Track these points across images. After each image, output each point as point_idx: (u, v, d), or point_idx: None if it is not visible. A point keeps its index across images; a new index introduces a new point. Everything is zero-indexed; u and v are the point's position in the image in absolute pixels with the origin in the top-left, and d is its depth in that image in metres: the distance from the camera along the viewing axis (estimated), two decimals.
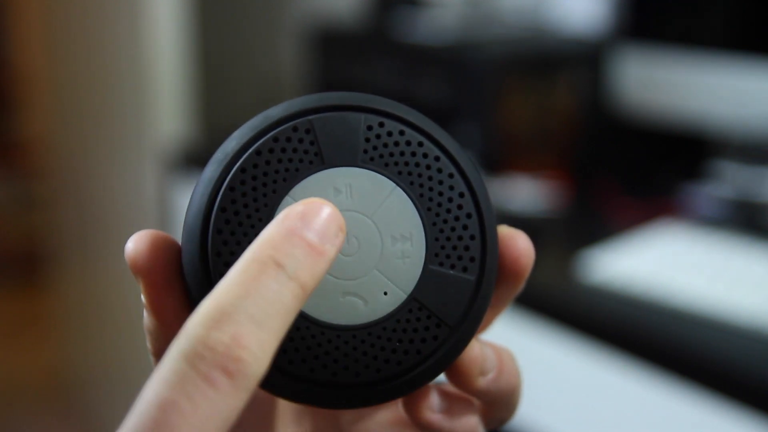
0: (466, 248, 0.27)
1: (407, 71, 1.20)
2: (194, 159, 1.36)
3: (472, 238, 0.27)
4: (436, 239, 0.27)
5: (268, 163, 0.26)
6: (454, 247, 0.27)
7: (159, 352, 0.28)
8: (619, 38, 1.11)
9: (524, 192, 1.06)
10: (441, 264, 0.27)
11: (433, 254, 0.27)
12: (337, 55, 1.32)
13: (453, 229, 0.27)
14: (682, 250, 0.89)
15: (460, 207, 0.27)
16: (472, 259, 0.27)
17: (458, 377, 0.28)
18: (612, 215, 1.04)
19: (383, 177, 0.27)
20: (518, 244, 0.29)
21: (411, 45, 1.22)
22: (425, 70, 1.17)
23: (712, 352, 0.75)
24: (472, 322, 0.27)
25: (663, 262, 0.86)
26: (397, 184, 0.27)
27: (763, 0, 1.01)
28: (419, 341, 0.27)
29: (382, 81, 1.23)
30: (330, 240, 0.23)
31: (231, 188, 0.26)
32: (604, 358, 0.81)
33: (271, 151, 0.26)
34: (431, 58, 1.18)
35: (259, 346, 0.21)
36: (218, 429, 0.20)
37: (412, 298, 0.27)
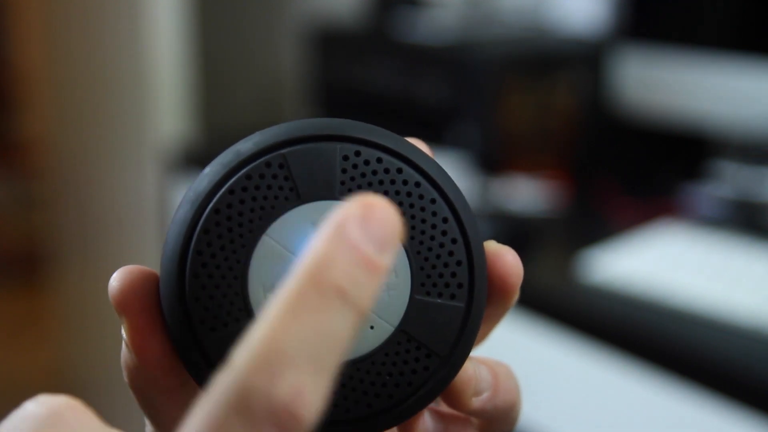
0: (453, 275, 0.26)
1: (407, 71, 1.20)
2: (194, 159, 1.36)
3: (459, 263, 0.27)
4: (422, 268, 0.26)
5: (242, 202, 0.25)
6: (441, 275, 0.26)
7: (137, 388, 0.27)
8: (619, 38, 1.11)
9: (524, 192, 1.06)
10: (428, 293, 0.26)
11: (419, 284, 0.26)
12: (337, 55, 1.32)
13: (438, 256, 0.26)
14: (682, 250, 0.89)
15: (444, 233, 0.26)
16: (459, 285, 0.26)
17: (452, 400, 0.28)
18: (612, 215, 1.04)
19: None
20: (506, 261, 0.28)
21: (411, 45, 1.22)
22: (425, 70, 1.17)
23: (712, 352, 0.75)
24: (463, 349, 0.27)
25: (663, 262, 0.86)
26: None
27: (763, 0, 1.01)
28: (410, 373, 0.26)
29: (382, 81, 1.23)
30: (390, 249, 0.20)
31: (206, 230, 0.25)
32: (604, 358, 0.81)
33: (244, 189, 0.25)
34: (431, 58, 1.18)
35: (318, 395, 0.18)
36: None
37: (400, 330, 0.26)
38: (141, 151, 1.47)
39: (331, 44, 1.33)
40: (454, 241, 0.27)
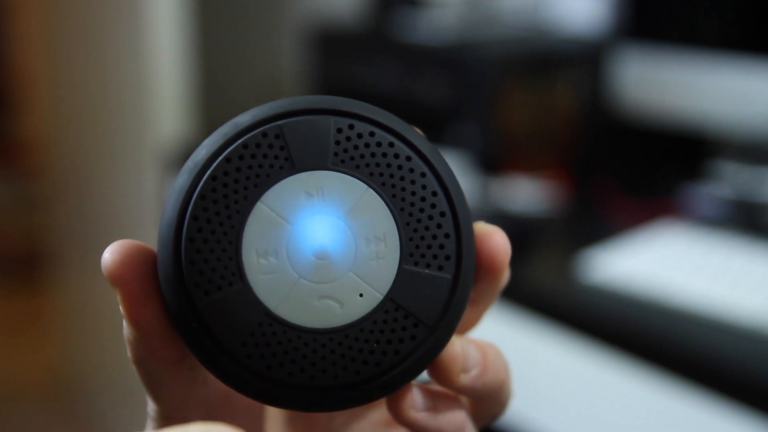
0: (441, 246, 0.27)
1: (407, 71, 1.20)
2: None
3: (447, 236, 0.27)
4: (411, 239, 0.27)
5: (238, 170, 0.26)
6: (429, 246, 0.27)
7: (139, 362, 0.28)
8: (619, 38, 1.11)
9: (524, 192, 1.06)
10: (416, 263, 0.27)
11: (407, 254, 0.27)
12: (337, 55, 1.32)
13: (427, 228, 0.27)
14: (682, 250, 0.89)
15: (433, 206, 0.27)
16: (447, 258, 0.27)
17: (440, 375, 0.29)
18: (612, 215, 1.04)
19: (355, 179, 0.27)
20: (494, 240, 0.29)
21: (411, 45, 1.22)
22: (425, 70, 1.17)
23: (712, 352, 0.75)
24: (450, 320, 0.27)
25: (663, 262, 0.86)
26: (369, 186, 0.27)
27: (763, 0, 1.01)
28: (397, 341, 0.27)
29: (382, 81, 1.23)
30: None
31: (202, 197, 0.26)
32: (603, 358, 0.81)
33: (240, 157, 0.26)
34: (431, 58, 1.18)
35: None
36: None
37: (388, 298, 0.27)
38: (141, 151, 1.47)
39: (331, 44, 1.33)
40: (442, 214, 0.27)
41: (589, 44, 1.20)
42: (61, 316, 1.91)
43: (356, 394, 0.27)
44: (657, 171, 1.16)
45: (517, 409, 0.86)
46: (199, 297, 0.26)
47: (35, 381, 2.03)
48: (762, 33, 1.01)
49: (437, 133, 1.15)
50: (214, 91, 1.53)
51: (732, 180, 1.01)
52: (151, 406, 0.30)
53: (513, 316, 0.87)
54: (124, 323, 0.27)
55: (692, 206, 1.03)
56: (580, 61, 1.19)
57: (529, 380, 0.86)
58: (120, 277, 0.26)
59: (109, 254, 0.26)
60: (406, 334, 0.27)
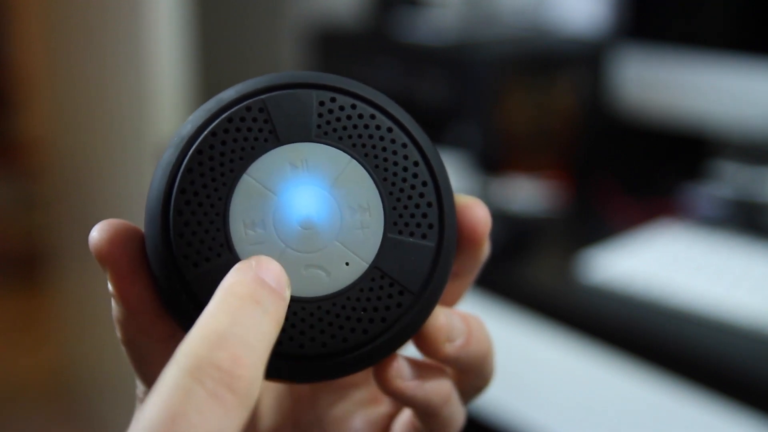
0: (424, 215, 0.28)
1: (407, 71, 1.20)
2: None
3: (429, 205, 0.28)
4: (394, 208, 0.28)
5: (223, 143, 0.27)
6: (412, 215, 0.28)
7: (129, 342, 0.28)
8: (619, 38, 1.11)
9: (524, 192, 1.06)
10: (400, 232, 0.27)
11: (392, 223, 0.27)
12: (337, 55, 1.32)
13: (410, 197, 0.28)
14: (682, 250, 0.89)
15: (415, 175, 0.28)
16: (430, 226, 0.28)
17: (425, 345, 0.29)
18: (612, 215, 1.04)
19: (338, 150, 0.27)
20: (475, 212, 0.30)
21: (411, 45, 1.22)
22: (425, 70, 1.17)
23: (712, 352, 0.75)
24: (434, 287, 0.28)
25: (663, 262, 0.86)
26: (353, 157, 0.27)
27: (763, 0, 1.01)
28: (383, 309, 0.27)
29: (382, 81, 1.23)
30: (286, 287, 0.25)
31: (189, 170, 0.26)
32: (603, 358, 0.81)
33: (226, 131, 0.27)
34: (431, 58, 1.18)
35: (253, 367, 0.22)
36: None
37: (374, 267, 0.27)
38: (141, 150, 1.47)
39: (331, 44, 1.33)
40: (424, 183, 0.28)
41: (589, 44, 1.20)
42: (61, 316, 1.91)
43: (344, 363, 0.27)
44: (657, 171, 1.16)
45: (517, 408, 0.86)
46: (187, 269, 0.26)
47: (35, 381, 2.03)
48: (762, 33, 1.01)
49: (437, 133, 1.15)
50: (214, 91, 1.52)
51: (732, 180, 1.01)
52: (140, 388, 0.30)
53: (513, 316, 0.87)
54: (113, 303, 0.27)
55: (692, 206, 1.03)
56: (580, 61, 1.19)
57: (529, 380, 0.86)
58: (108, 255, 0.27)
59: (97, 233, 0.27)
60: (392, 302, 0.27)
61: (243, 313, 0.23)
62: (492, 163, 1.11)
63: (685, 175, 1.08)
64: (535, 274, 0.91)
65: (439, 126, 1.15)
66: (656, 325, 0.79)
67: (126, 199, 1.55)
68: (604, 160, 1.19)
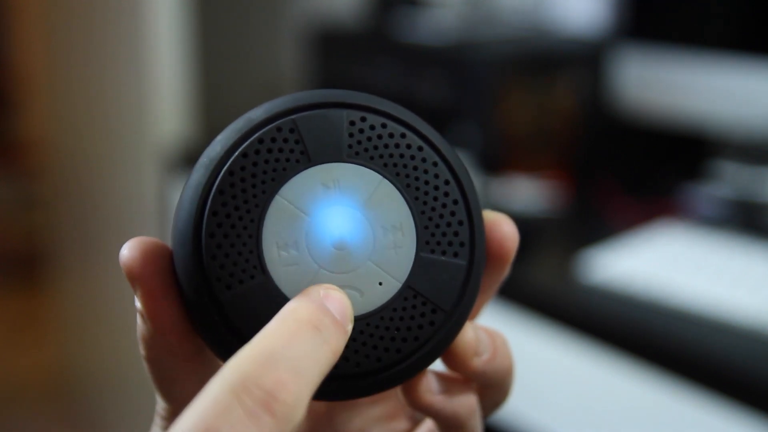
0: (456, 234, 0.28)
1: (407, 71, 1.20)
2: (194, 159, 1.36)
3: (461, 223, 0.28)
4: (426, 227, 0.28)
5: (255, 164, 0.26)
6: (444, 234, 0.28)
7: (153, 360, 0.28)
8: (619, 38, 1.11)
9: (524, 192, 1.06)
10: (432, 251, 0.28)
11: (424, 242, 0.28)
12: (337, 55, 1.32)
13: (441, 216, 0.28)
14: (682, 250, 0.89)
15: (446, 194, 0.28)
16: (462, 244, 0.28)
17: (454, 360, 0.29)
18: (612, 215, 1.04)
19: (370, 170, 0.27)
20: (503, 228, 0.30)
21: (411, 45, 1.22)
22: (425, 70, 1.17)
23: (712, 352, 0.75)
24: (466, 305, 0.28)
25: (663, 262, 0.86)
26: (384, 176, 0.27)
27: (763, 0, 1.01)
28: (416, 328, 0.27)
29: (382, 81, 1.23)
30: (348, 321, 0.25)
31: (220, 191, 0.26)
32: (603, 358, 0.81)
33: (257, 152, 0.27)
34: (431, 58, 1.18)
35: (298, 393, 0.22)
36: None
37: (407, 286, 0.27)
38: (141, 151, 1.47)
39: (331, 44, 1.33)
40: (455, 202, 0.28)
41: (589, 44, 1.20)
42: (61, 316, 1.91)
43: (378, 382, 0.27)
44: (657, 171, 1.16)
45: (517, 408, 0.86)
46: (220, 291, 0.26)
47: (35, 381, 2.03)
48: (762, 33, 1.01)
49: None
50: (214, 91, 1.52)
51: (732, 180, 1.01)
52: (160, 404, 0.30)
53: (513, 316, 0.87)
54: (139, 320, 0.27)
55: (692, 206, 1.03)
56: (580, 61, 1.19)
57: (529, 380, 0.86)
58: (139, 274, 0.26)
59: (128, 251, 0.26)
60: (425, 320, 0.27)
61: (300, 337, 0.23)
62: (492, 163, 1.11)
63: (685, 175, 1.08)
64: (535, 274, 0.90)
65: (439, 126, 1.15)
66: (656, 325, 0.79)
67: (126, 198, 1.55)
68: (604, 160, 1.19)
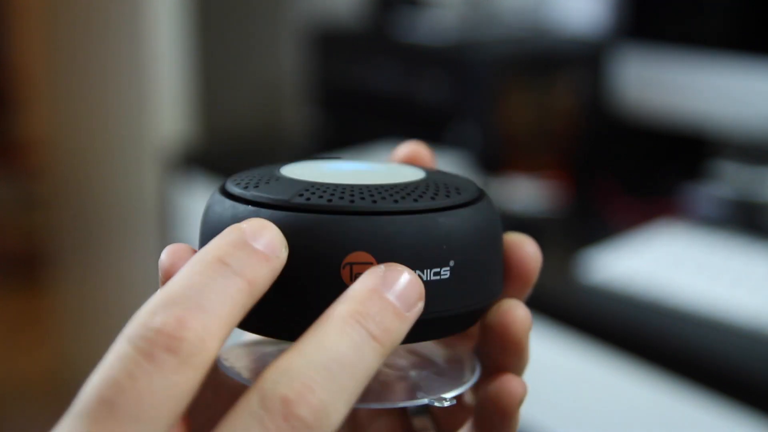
0: None
1: (407, 71, 1.20)
2: (194, 159, 1.36)
3: None
4: None
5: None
6: None
7: None
8: (619, 38, 1.11)
9: (524, 192, 1.06)
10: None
11: None
12: (337, 55, 1.32)
13: None
14: (682, 250, 0.89)
15: None
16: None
17: (512, 333, 0.30)
18: (612, 215, 1.04)
19: None
20: (526, 249, 0.31)
21: (411, 45, 1.22)
22: (425, 70, 1.17)
23: (712, 352, 0.75)
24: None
25: (663, 262, 0.86)
26: None
27: (763, 0, 1.01)
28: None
29: (382, 81, 1.23)
30: (281, 248, 0.25)
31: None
32: (603, 358, 0.81)
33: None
34: (431, 58, 1.18)
35: (203, 328, 0.21)
36: (165, 407, 0.21)
37: None
38: (141, 151, 1.47)
39: (331, 44, 1.33)
40: None
41: (589, 44, 1.20)
42: (61, 316, 1.91)
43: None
44: (657, 171, 1.16)
45: None
46: None
47: (35, 381, 2.03)
48: (762, 33, 1.01)
49: (437, 133, 1.15)
50: (214, 91, 1.52)
51: (732, 180, 1.01)
52: None
53: None
54: None
55: (692, 206, 1.02)
56: (580, 61, 1.19)
57: (529, 380, 0.86)
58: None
59: (167, 257, 0.27)
60: None
61: (203, 275, 0.23)
62: (492, 163, 1.11)
63: (685, 175, 1.08)
64: None
65: (439, 126, 1.15)
66: (656, 325, 0.79)
67: (126, 199, 1.55)
68: (604, 160, 1.19)
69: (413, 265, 0.26)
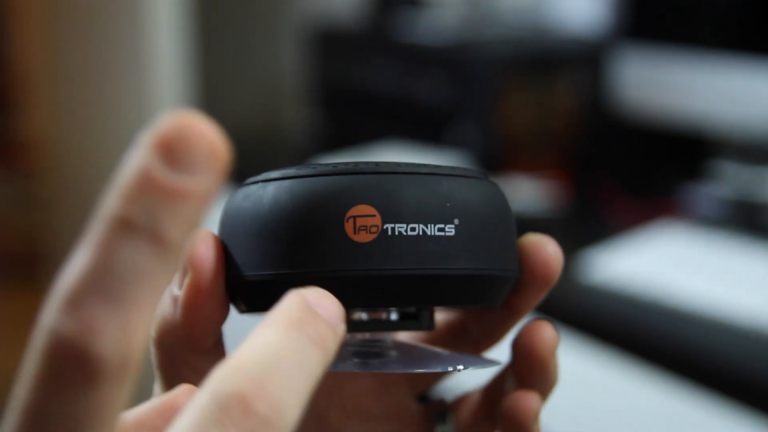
0: None
1: (407, 71, 1.20)
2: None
3: None
4: None
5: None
6: None
7: (166, 346, 0.28)
8: (619, 38, 1.11)
9: (524, 192, 1.06)
10: None
11: None
12: (337, 55, 1.32)
13: None
14: (682, 250, 0.89)
15: None
16: None
17: (536, 354, 0.30)
18: (612, 215, 1.04)
19: None
20: (547, 249, 0.31)
21: (411, 45, 1.22)
22: (425, 70, 1.17)
23: (712, 352, 0.75)
24: None
25: (663, 262, 0.86)
26: None
27: (763, 0, 1.01)
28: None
29: (382, 81, 1.23)
30: (199, 170, 0.19)
31: None
32: (603, 357, 0.81)
33: None
34: (431, 58, 1.18)
35: (115, 328, 0.18)
36: (83, 430, 0.18)
37: None
38: None
39: (331, 44, 1.33)
40: None
41: (589, 44, 1.20)
42: None
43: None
44: (657, 171, 1.16)
45: None
46: None
47: None
48: (762, 33, 1.01)
49: (437, 133, 1.15)
50: (214, 91, 1.52)
51: (732, 180, 1.01)
52: (158, 392, 0.30)
53: None
54: (168, 306, 0.27)
55: (692, 206, 1.02)
56: (580, 61, 1.19)
57: None
58: (201, 266, 0.27)
59: (204, 245, 0.27)
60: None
61: (106, 249, 0.18)
62: (492, 163, 1.11)
63: (685, 175, 1.08)
64: None
65: (439, 126, 1.15)
66: (656, 325, 0.79)
67: None
68: (604, 160, 1.19)
69: (416, 219, 0.26)
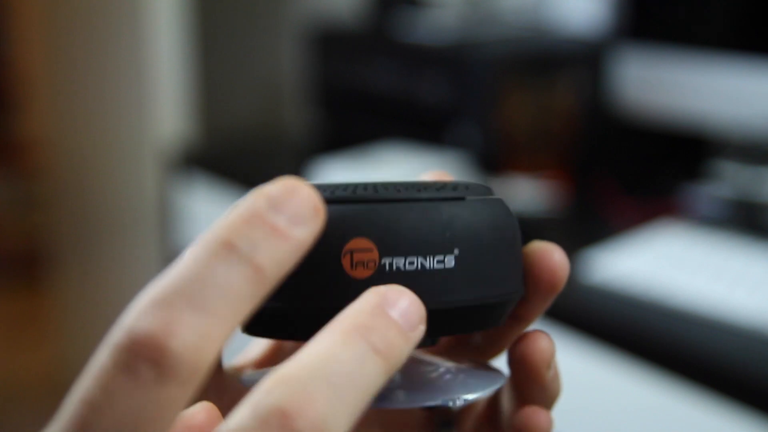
0: None
1: (407, 71, 1.20)
2: (194, 159, 1.36)
3: None
4: None
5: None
6: None
7: None
8: (619, 38, 1.11)
9: (524, 192, 1.06)
10: None
11: None
12: (337, 55, 1.32)
13: None
14: (682, 250, 0.89)
15: None
16: None
17: (530, 368, 0.30)
18: (612, 215, 1.04)
19: None
20: (554, 257, 0.30)
21: (411, 45, 1.22)
22: (425, 70, 1.17)
23: (712, 352, 0.75)
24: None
25: (663, 262, 0.86)
26: None
27: (763, 0, 1.01)
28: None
29: (382, 81, 1.23)
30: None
31: None
32: (603, 357, 0.81)
33: None
34: (431, 58, 1.18)
35: (195, 334, 0.19)
36: (147, 426, 0.19)
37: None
38: (141, 151, 1.47)
39: (331, 44, 1.33)
40: None
41: (589, 44, 1.20)
42: (61, 316, 1.91)
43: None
44: (657, 171, 1.16)
45: None
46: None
47: (35, 381, 2.03)
48: (762, 33, 1.01)
49: (437, 133, 1.15)
50: (214, 91, 1.52)
51: (732, 180, 1.01)
52: None
53: None
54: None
55: (692, 206, 1.02)
56: (580, 61, 1.19)
57: None
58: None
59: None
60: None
61: (205, 265, 0.19)
62: (492, 163, 1.11)
63: (685, 175, 1.08)
64: None
65: (439, 126, 1.15)
66: (656, 325, 0.79)
67: (126, 199, 1.55)
68: (604, 160, 1.19)
69: (414, 251, 0.25)
